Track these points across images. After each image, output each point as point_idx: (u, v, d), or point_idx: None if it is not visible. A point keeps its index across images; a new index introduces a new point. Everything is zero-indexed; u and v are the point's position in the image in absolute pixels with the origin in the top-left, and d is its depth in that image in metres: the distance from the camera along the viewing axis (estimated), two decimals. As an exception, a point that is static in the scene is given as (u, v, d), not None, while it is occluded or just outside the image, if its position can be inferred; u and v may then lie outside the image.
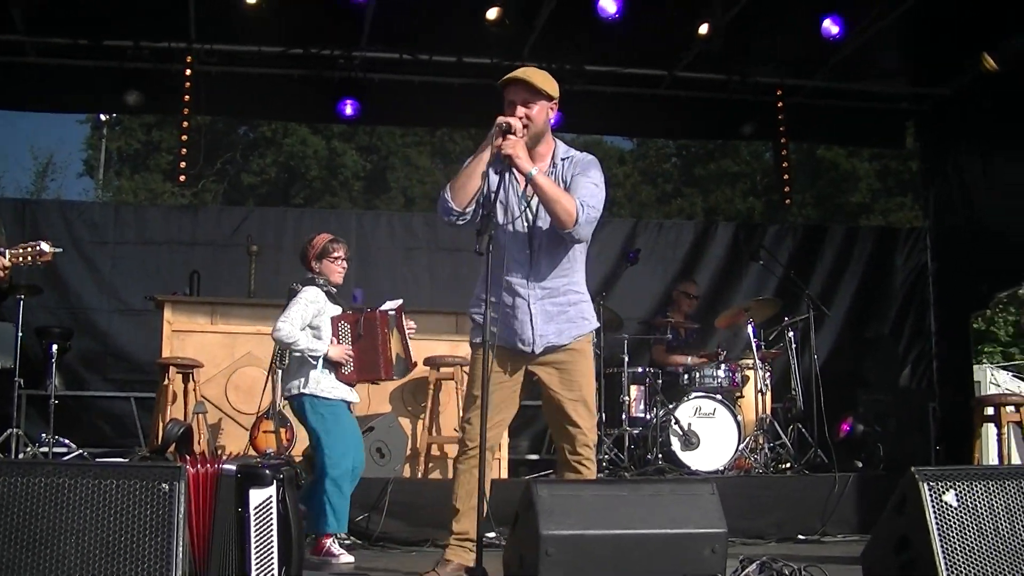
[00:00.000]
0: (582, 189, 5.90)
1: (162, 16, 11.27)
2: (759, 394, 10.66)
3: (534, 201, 5.92)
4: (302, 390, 7.44)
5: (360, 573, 6.97)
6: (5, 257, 5.72)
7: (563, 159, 6.04)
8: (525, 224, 5.91)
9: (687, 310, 11.94)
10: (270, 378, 9.29)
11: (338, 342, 7.53)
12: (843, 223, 26.31)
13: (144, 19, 11.24)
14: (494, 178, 5.90)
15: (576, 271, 6.07)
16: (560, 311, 5.97)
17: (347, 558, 7.34)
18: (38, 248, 5.71)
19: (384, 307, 7.75)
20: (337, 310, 7.65)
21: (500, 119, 5.78)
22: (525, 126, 5.82)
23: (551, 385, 5.96)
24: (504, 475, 10.07)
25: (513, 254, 5.89)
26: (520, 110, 5.85)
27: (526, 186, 5.86)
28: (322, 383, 7.44)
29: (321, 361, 7.45)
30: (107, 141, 35.69)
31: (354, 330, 7.60)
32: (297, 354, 7.49)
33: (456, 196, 5.81)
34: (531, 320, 5.89)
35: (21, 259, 5.71)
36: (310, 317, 7.46)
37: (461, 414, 6.10)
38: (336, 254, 7.69)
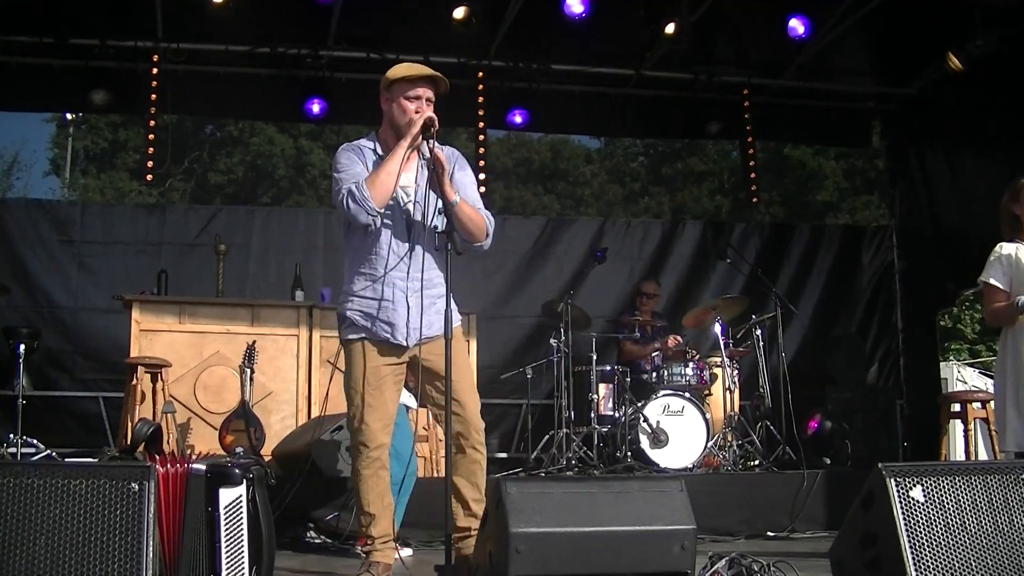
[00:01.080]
0: (471, 192, 6.08)
1: (128, 15, 11.23)
2: (727, 392, 10.72)
3: (419, 194, 5.96)
4: None
5: (329, 571, 6.98)
6: None
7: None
8: (405, 219, 5.91)
9: (648, 309, 12.00)
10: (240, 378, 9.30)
11: None
12: (810, 222, 26.41)
13: (110, 18, 11.19)
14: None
15: (444, 267, 6.00)
16: (430, 303, 5.94)
17: (405, 552, 7.32)
18: None
19: None
20: None
21: (426, 115, 5.83)
22: None
23: (435, 370, 5.91)
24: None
25: (394, 248, 5.91)
26: (428, 106, 5.92)
27: (431, 184, 5.89)
28: None
29: None
30: (73, 140, 35.51)
31: None
32: None
33: (376, 195, 5.77)
34: (408, 313, 5.90)
35: None
36: None
37: (351, 416, 6.03)
38: None
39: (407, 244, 5.91)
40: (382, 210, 5.82)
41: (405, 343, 5.90)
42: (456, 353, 5.81)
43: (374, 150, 6.04)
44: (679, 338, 11.45)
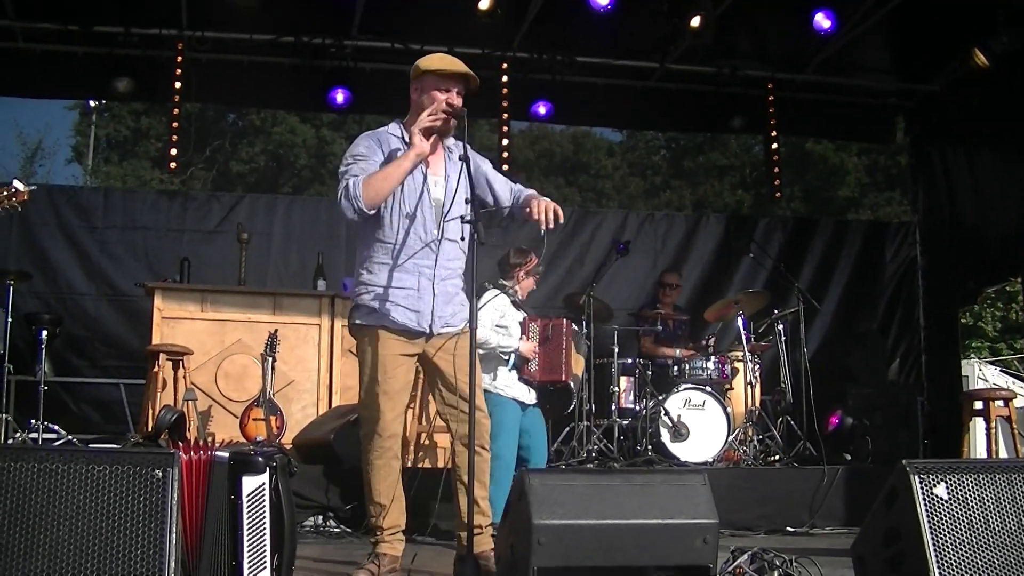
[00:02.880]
0: (501, 177, 6.40)
1: (153, 3, 11.25)
2: (748, 386, 10.68)
3: (449, 184, 5.98)
4: (484, 386, 7.64)
5: (349, 560, 6.98)
6: None
7: (453, 147, 6.12)
8: (433, 208, 5.91)
9: (670, 300, 11.99)
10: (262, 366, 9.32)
11: (527, 340, 8.12)
12: (832, 217, 26.32)
13: (135, 5, 11.22)
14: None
15: (465, 260, 6.10)
16: (455, 292, 6.03)
17: None
18: (12, 188, 5.48)
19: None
20: (521, 315, 8.19)
21: (446, 107, 5.87)
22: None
23: (447, 369, 5.91)
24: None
25: (420, 236, 5.90)
26: (457, 99, 5.94)
27: (462, 170, 5.89)
28: (498, 380, 7.92)
29: (512, 360, 7.97)
30: (95, 127, 35.56)
31: (542, 332, 8.23)
32: (483, 352, 7.73)
33: (368, 196, 5.74)
34: (433, 301, 5.89)
35: None
36: (497, 318, 7.94)
37: (364, 404, 6.02)
38: (535, 277, 8.39)
39: (436, 233, 5.89)
40: (371, 211, 5.81)
41: (429, 331, 5.87)
42: (465, 354, 5.79)
43: (400, 137, 6.01)
44: (695, 352, 11.34)
